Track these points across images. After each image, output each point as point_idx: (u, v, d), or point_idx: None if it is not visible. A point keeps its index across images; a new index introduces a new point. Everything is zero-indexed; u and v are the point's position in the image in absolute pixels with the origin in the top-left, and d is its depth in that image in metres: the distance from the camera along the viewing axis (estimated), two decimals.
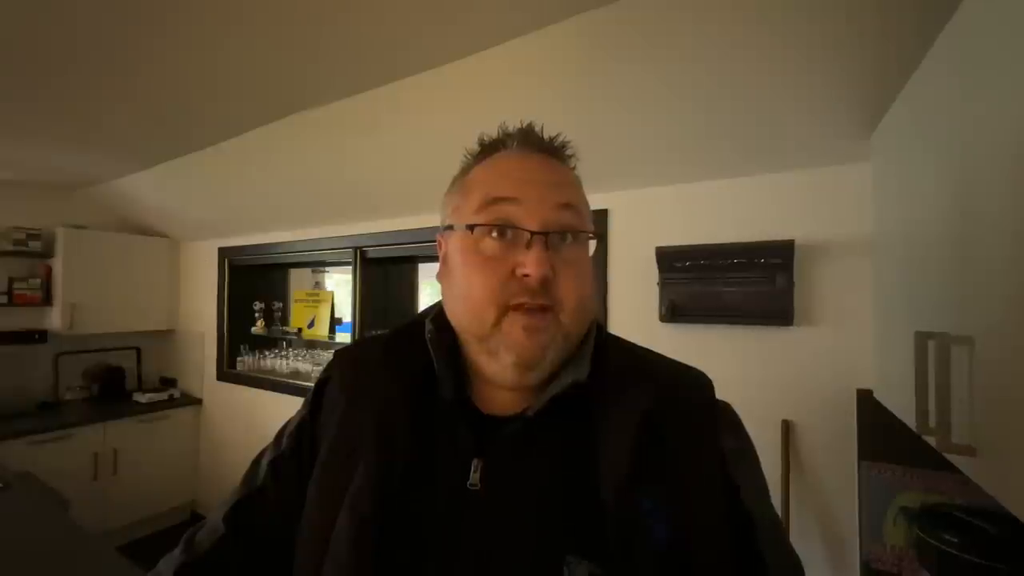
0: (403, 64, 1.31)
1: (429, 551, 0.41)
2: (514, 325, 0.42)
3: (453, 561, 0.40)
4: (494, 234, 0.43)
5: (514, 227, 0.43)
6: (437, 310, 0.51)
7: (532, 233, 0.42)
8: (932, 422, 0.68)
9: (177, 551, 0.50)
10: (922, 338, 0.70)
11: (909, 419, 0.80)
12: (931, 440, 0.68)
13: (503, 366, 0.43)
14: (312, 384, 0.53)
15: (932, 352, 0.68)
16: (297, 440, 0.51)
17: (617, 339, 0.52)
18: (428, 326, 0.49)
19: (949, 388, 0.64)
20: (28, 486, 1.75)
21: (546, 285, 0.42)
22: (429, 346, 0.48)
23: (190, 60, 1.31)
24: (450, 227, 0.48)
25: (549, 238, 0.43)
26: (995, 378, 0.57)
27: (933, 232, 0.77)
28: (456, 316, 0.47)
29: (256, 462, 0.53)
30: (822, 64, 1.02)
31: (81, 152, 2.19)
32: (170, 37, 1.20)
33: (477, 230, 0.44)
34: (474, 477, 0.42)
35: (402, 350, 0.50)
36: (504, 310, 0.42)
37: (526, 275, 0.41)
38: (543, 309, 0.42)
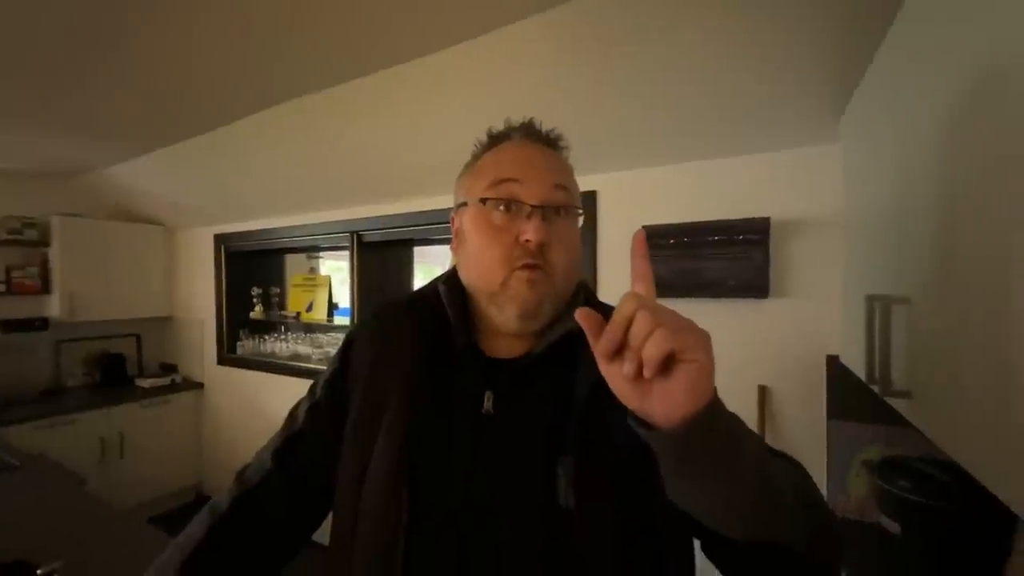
0: (397, 51, 1.35)
1: (455, 464, 0.50)
2: (520, 281, 0.51)
3: (475, 471, 0.50)
4: (501, 207, 0.53)
5: (518, 201, 0.52)
6: (448, 275, 0.60)
7: (532, 207, 0.51)
8: (877, 373, 0.78)
9: (231, 486, 0.60)
10: (871, 300, 0.80)
11: (862, 372, 0.90)
12: (876, 388, 0.78)
13: (508, 317, 0.52)
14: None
15: (878, 311, 0.77)
16: (331, 388, 0.61)
17: (597, 299, 0.61)
18: (442, 287, 0.58)
19: (890, 342, 0.74)
20: (42, 466, 1.83)
21: (543, 250, 0.51)
22: (444, 302, 0.57)
23: (185, 46, 1.33)
24: (464, 204, 0.57)
25: (546, 211, 0.52)
26: (926, 331, 0.67)
27: (883, 208, 0.86)
28: (470, 278, 0.56)
29: (294, 411, 0.63)
30: (792, 50, 1.09)
31: (75, 140, 2.20)
32: (165, 23, 1.22)
33: (488, 203, 0.53)
34: (488, 405, 0.52)
35: (420, 310, 0.59)
36: (511, 271, 0.51)
37: (527, 240, 0.50)
38: (539, 269, 0.51)
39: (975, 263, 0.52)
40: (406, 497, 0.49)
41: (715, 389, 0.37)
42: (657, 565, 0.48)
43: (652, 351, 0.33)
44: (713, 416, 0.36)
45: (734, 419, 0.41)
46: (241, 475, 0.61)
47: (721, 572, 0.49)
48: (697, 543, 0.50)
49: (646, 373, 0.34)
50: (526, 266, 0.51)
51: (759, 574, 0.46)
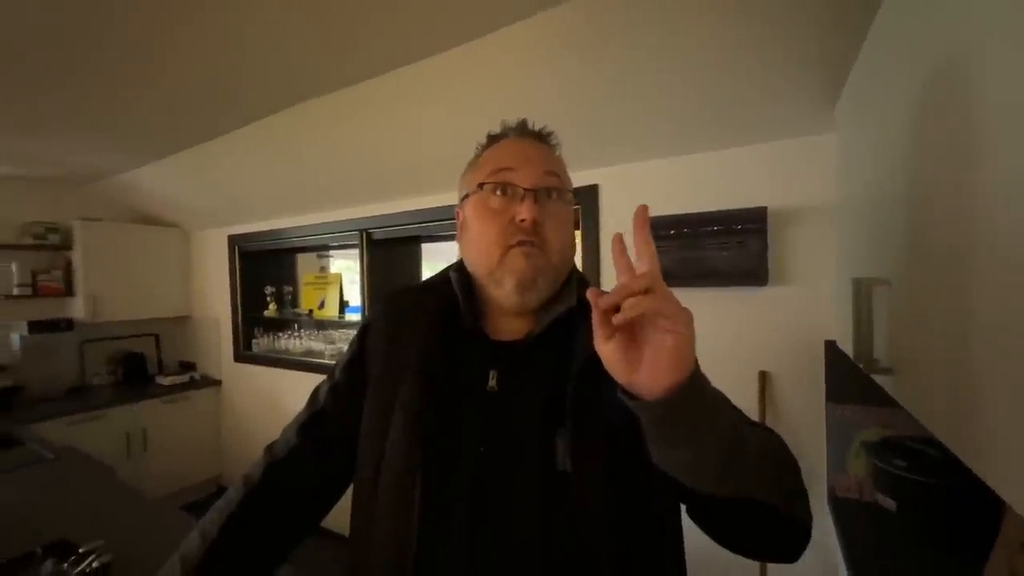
0: (403, 53, 1.40)
1: (463, 436, 0.56)
2: (515, 256, 0.56)
3: (480, 442, 0.55)
4: (498, 192, 0.58)
5: (513, 185, 0.58)
6: (457, 264, 0.66)
7: (526, 190, 0.57)
8: (863, 351, 0.82)
9: (259, 459, 0.66)
10: (857, 283, 0.84)
11: (851, 352, 0.94)
12: (862, 366, 0.82)
13: (507, 291, 0.57)
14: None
15: (862, 292, 0.81)
16: (349, 372, 0.67)
17: (588, 281, 0.66)
18: (453, 275, 0.64)
19: (872, 321, 0.78)
20: (76, 458, 1.92)
21: (537, 228, 0.56)
22: (455, 287, 0.62)
23: (197, 55, 1.39)
24: (466, 196, 0.63)
25: (538, 194, 0.57)
26: (903, 310, 0.71)
27: (868, 194, 0.90)
28: (471, 259, 0.62)
29: (316, 391, 0.69)
30: (787, 43, 1.12)
31: (94, 146, 2.28)
32: (180, 32, 1.28)
33: (486, 187, 0.59)
34: (492, 382, 0.58)
35: (431, 296, 0.65)
36: (506, 249, 0.57)
37: (522, 219, 0.56)
38: (533, 245, 0.57)
39: (941, 247, 0.57)
40: (420, 479, 0.54)
41: (697, 363, 0.42)
42: (647, 525, 0.54)
43: (633, 305, 0.40)
44: (693, 387, 0.41)
45: (714, 391, 0.46)
46: (270, 449, 0.67)
47: (707, 533, 0.53)
48: (686, 519, 0.55)
49: (616, 319, 0.40)
50: (521, 243, 0.56)
51: (738, 531, 0.51)
